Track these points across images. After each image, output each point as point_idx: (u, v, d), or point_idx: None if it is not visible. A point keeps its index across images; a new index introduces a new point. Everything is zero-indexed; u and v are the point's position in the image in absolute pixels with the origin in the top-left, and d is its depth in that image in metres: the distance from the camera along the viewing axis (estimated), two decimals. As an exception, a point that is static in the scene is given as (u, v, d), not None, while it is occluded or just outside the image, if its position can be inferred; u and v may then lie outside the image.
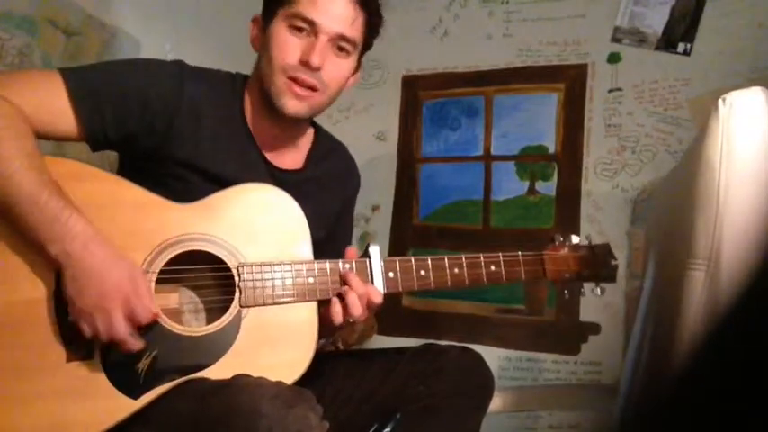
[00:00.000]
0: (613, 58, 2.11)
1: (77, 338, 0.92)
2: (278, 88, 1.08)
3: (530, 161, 2.20)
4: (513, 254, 1.17)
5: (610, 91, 2.11)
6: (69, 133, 1.01)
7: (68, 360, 0.92)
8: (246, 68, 1.19)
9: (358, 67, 1.18)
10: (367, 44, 1.16)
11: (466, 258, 1.14)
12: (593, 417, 2.03)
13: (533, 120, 2.20)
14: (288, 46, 1.07)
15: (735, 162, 0.99)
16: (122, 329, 0.90)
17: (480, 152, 2.27)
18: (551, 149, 2.18)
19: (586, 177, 2.12)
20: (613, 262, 1.22)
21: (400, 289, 1.11)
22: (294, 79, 1.07)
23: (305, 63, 1.06)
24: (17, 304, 0.91)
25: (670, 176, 1.40)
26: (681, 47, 2.03)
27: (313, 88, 1.08)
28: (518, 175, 2.21)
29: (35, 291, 0.91)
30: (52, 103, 0.99)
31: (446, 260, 1.13)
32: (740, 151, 0.99)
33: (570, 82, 2.16)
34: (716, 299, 0.99)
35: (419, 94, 2.36)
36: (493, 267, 1.15)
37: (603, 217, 2.09)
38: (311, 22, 1.06)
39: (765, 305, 0.91)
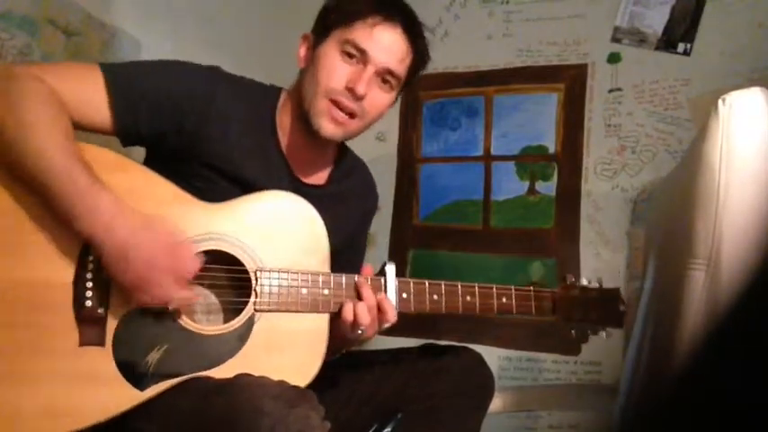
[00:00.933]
0: (613, 58, 2.11)
1: (91, 324, 0.93)
2: (318, 109, 1.09)
3: (530, 161, 2.20)
4: (526, 288, 1.19)
5: (610, 91, 2.11)
6: (102, 125, 1.03)
7: (80, 345, 0.93)
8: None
9: (394, 102, 1.20)
10: (408, 82, 1.19)
11: (479, 287, 1.16)
12: (593, 417, 2.03)
13: (533, 120, 2.20)
14: (336, 69, 1.09)
15: (735, 162, 0.99)
16: (176, 291, 0.93)
17: (480, 152, 2.27)
18: (551, 149, 2.18)
19: (586, 177, 2.12)
20: (621, 308, 1.24)
21: (412, 310, 1.12)
22: (336, 103, 1.09)
23: (350, 89, 1.08)
24: (36, 284, 0.92)
25: (670, 176, 1.41)
26: (681, 47, 2.03)
27: (352, 114, 1.10)
28: (518, 175, 2.21)
29: (55, 272, 0.93)
30: (89, 95, 1.00)
31: (459, 287, 1.14)
32: (740, 151, 0.99)
33: (570, 82, 2.16)
34: (716, 299, 0.99)
35: (419, 94, 2.36)
36: (504, 299, 1.17)
37: (603, 217, 2.09)
38: (363, 51, 1.09)
39: (765, 305, 0.91)
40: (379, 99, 1.13)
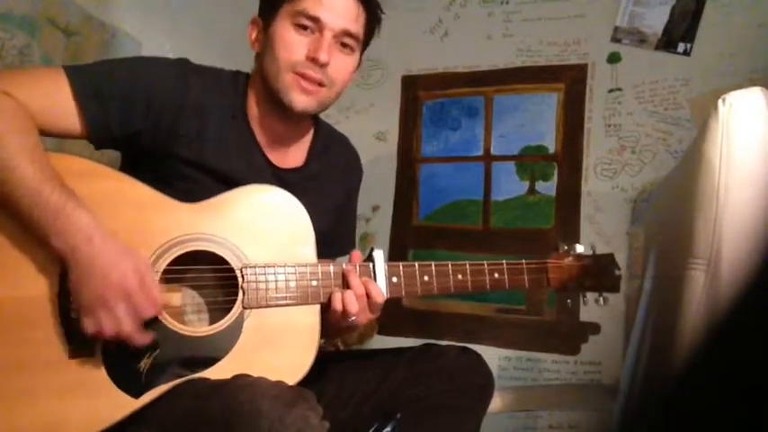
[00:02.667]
0: (613, 58, 2.11)
1: (80, 335, 0.92)
2: (285, 85, 1.08)
3: (530, 161, 2.20)
4: (517, 262, 1.16)
5: (610, 91, 2.11)
6: (73, 131, 1.01)
7: (70, 357, 0.92)
8: (246, 67, 1.19)
9: (359, 65, 1.18)
10: (367, 41, 1.17)
11: (470, 265, 1.13)
12: (593, 417, 2.03)
13: (533, 120, 2.20)
14: (294, 43, 1.07)
15: (735, 162, 0.99)
16: (128, 325, 0.90)
17: (480, 152, 2.27)
18: (551, 149, 2.18)
19: (586, 177, 2.12)
20: (617, 272, 1.21)
21: (403, 294, 1.10)
22: (302, 75, 1.07)
23: (313, 59, 1.06)
24: (20, 300, 0.91)
25: (670, 176, 1.40)
26: (681, 47, 2.03)
27: (320, 84, 1.09)
28: (518, 175, 2.21)
29: (39, 287, 0.92)
30: (56, 101, 0.99)
31: (450, 266, 1.12)
32: (740, 151, 0.99)
33: (570, 82, 2.16)
34: (716, 299, 0.99)
35: (419, 94, 2.36)
36: (496, 275, 1.14)
37: (603, 217, 2.09)
38: (316, 19, 1.07)
39: (765, 305, 0.91)
40: (343, 63, 1.11)
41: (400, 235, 2.34)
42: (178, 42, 1.77)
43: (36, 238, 0.90)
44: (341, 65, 1.11)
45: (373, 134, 2.38)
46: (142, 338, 0.92)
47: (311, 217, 1.07)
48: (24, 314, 0.91)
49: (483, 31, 2.28)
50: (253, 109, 1.14)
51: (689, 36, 2.02)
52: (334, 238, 1.15)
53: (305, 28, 1.07)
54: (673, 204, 1.24)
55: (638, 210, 2.04)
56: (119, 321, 0.89)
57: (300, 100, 1.08)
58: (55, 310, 0.92)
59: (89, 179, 0.97)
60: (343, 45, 1.11)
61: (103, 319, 0.89)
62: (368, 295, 1.06)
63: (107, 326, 0.89)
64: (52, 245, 0.89)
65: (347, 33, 1.10)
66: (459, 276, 1.13)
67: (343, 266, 1.07)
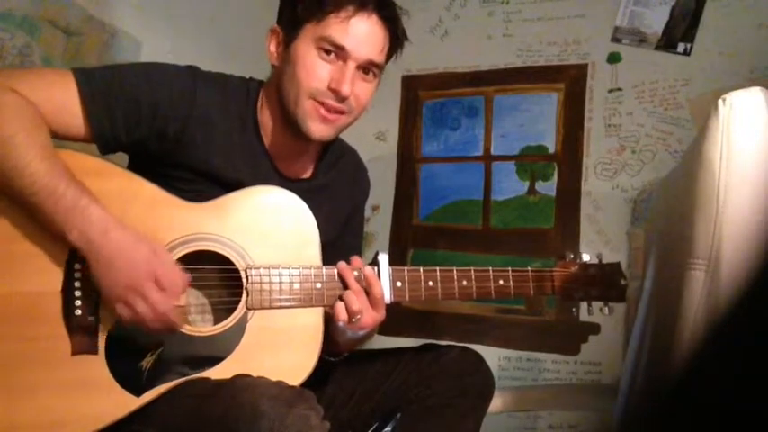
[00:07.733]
0: (613, 58, 2.11)
1: (83, 333, 0.92)
2: (304, 112, 1.07)
3: (530, 161, 2.20)
4: (523, 269, 1.17)
5: (610, 91, 2.11)
6: (79, 134, 1.01)
7: (73, 354, 0.92)
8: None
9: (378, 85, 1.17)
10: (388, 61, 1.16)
11: (475, 271, 1.13)
12: (593, 417, 2.03)
13: (533, 120, 2.20)
14: (316, 70, 1.05)
15: (735, 162, 0.99)
16: (163, 305, 0.91)
17: (480, 152, 2.27)
18: (551, 149, 2.18)
19: (586, 177, 2.12)
20: (623, 282, 1.21)
21: (407, 298, 1.10)
22: (322, 103, 1.06)
23: (334, 90, 1.05)
24: (25, 296, 0.92)
25: (670, 176, 1.40)
26: (681, 47, 2.03)
27: (341, 112, 1.08)
28: (518, 175, 2.21)
29: (44, 283, 0.92)
30: (63, 104, 0.99)
31: (455, 272, 1.13)
32: (740, 151, 0.99)
33: (570, 82, 2.16)
34: (716, 299, 0.99)
35: (419, 94, 2.36)
36: (501, 282, 1.15)
37: (603, 217, 2.09)
38: (341, 48, 1.05)
39: (765, 305, 0.91)
40: (364, 90, 1.10)
41: (400, 235, 2.34)
42: (178, 42, 1.77)
43: (52, 234, 0.90)
44: (362, 92, 1.10)
45: (373, 134, 2.38)
46: (177, 317, 0.93)
47: (317, 227, 1.07)
48: (28, 310, 0.92)
49: (483, 30, 2.28)
50: (265, 119, 1.13)
51: (689, 36, 2.02)
52: (338, 250, 1.15)
53: (328, 53, 1.05)
54: (673, 204, 1.24)
55: (638, 210, 2.04)
56: (153, 303, 0.91)
57: (319, 128, 1.08)
58: (59, 307, 0.93)
59: (98, 177, 0.97)
60: (366, 71, 1.09)
61: (138, 304, 0.90)
62: (367, 292, 1.05)
63: (143, 310, 0.90)
64: (69, 240, 0.89)
65: (372, 63, 1.09)
66: (464, 282, 1.13)
67: (338, 265, 1.06)
